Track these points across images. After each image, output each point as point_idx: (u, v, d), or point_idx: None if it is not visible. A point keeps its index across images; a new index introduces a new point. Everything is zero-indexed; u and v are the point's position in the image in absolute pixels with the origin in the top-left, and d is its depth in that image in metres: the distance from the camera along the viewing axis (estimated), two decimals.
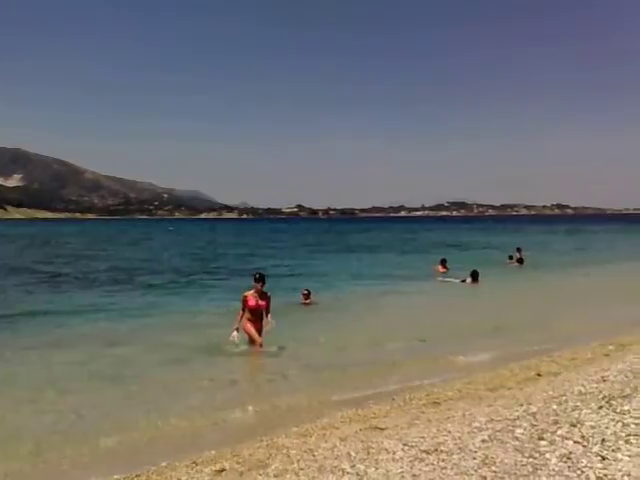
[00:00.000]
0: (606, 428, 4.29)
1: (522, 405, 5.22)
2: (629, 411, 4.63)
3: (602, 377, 6.00)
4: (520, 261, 24.94)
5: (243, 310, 9.51)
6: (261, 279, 9.53)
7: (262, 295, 9.55)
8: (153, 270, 25.08)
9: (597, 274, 21.41)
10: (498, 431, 4.48)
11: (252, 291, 9.55)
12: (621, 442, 4.00)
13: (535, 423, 4.57)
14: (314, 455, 4.58)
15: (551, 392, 5.66)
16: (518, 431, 4.43)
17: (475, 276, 18.97)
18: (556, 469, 3.67)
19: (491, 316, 12.76)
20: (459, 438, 4.45)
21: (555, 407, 4.96)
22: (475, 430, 4.60)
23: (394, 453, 4.28)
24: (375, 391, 7.23)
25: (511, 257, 25.18)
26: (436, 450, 4.23)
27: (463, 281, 19.13)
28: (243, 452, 5.09)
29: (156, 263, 28.60)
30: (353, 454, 4.42)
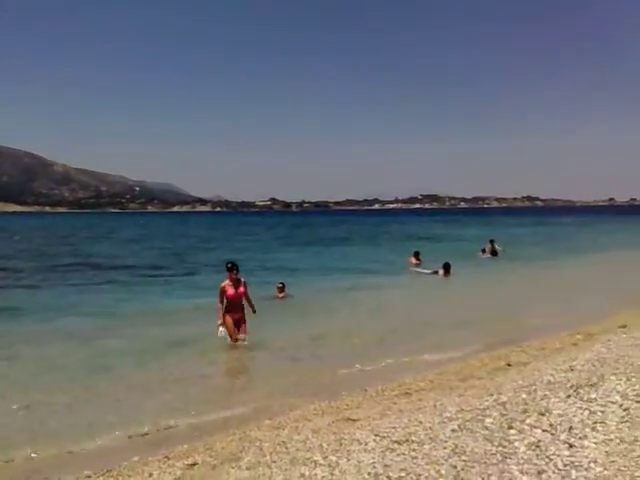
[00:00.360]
0: (573, 416, 4.36)
1: (492, 395, 5.27)
2: (596, 399, 4.71)
3: (570, 366, 6.09)
4: (494, 253, 25.23)
5: (222, 302, 9.45)
6: (234, 267, 9.51)
7: (237, 282, 9.53)
8: (121, 265, 24.66)
9: (567, 266, 21.79)
10: (468, 421, 4.53)
11: (227, 281, 9.51)
12: (588, 430, 4.07)
13: (505, 412, 4.62)
14: (287, 447, 4.58)
15: (521, 382, 5.73)
16: (488, 420, 4.48)
17: (447, 268, 19.08)
18: (525, 457, 3.72)
19: (462, 308, 12.92)
20: (430, 428, 4.48)
21: (524, 396, 5.02)
22: (446, 420, 4.64)
23: (366, 444, 4.30)
24: (347, 383, 7.26)
25: (484, 250, 25.45)
26: (407, 440, 4.26)
27: (435, 272, 19.26)
28: (216, 445, 5.07)
29: (125, 258, 28.14)
30: (325, 446, 4.43)
